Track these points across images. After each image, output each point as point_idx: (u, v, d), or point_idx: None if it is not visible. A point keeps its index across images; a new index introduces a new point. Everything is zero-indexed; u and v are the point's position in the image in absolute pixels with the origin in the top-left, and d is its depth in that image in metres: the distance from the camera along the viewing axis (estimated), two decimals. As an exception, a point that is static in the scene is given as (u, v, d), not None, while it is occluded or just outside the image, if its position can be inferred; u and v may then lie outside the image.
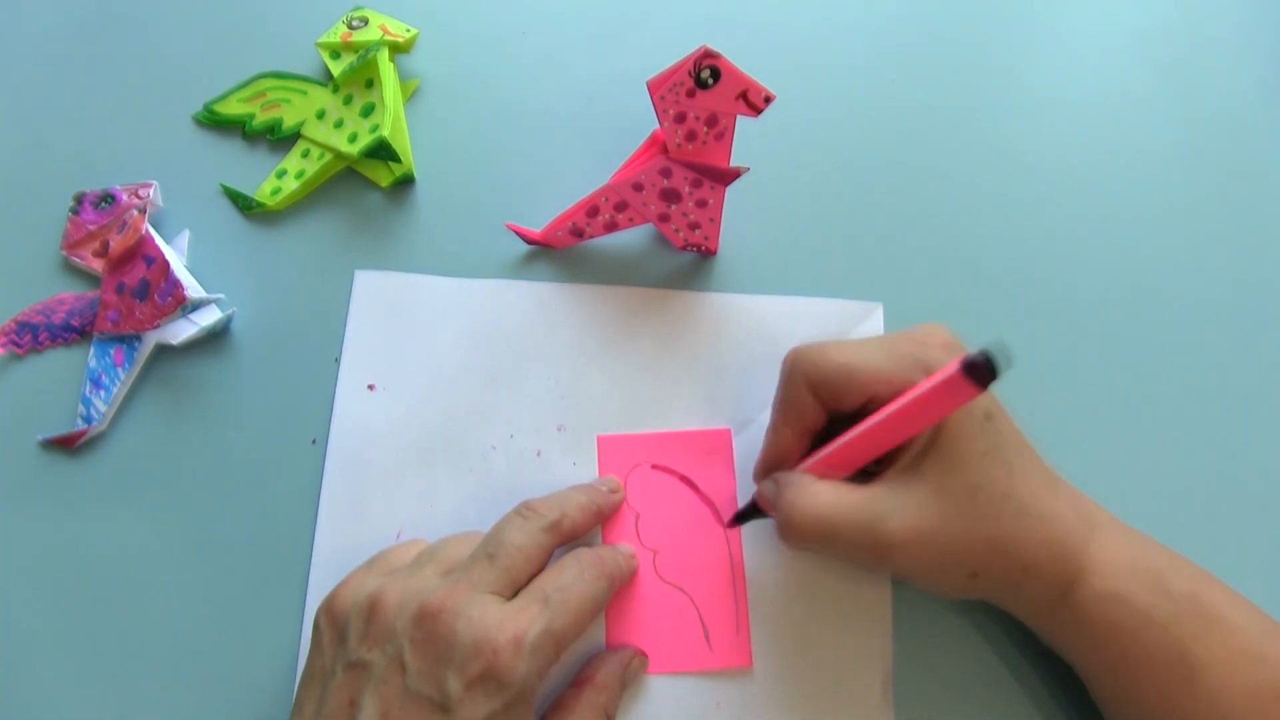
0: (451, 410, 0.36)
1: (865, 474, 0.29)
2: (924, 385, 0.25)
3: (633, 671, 0.31)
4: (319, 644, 0.28)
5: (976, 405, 0.27)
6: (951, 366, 0.24)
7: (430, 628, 0.26)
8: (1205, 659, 0.26)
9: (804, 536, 0.28)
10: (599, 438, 0.35)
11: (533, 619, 0.26)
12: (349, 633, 0.27)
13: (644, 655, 0.32)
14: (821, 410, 0.29)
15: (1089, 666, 0.28)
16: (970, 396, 0.24)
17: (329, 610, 0.28)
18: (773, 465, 0.31)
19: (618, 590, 0.31)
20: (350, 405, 0.36)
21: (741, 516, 0.32)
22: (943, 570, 0.27)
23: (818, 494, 0.28)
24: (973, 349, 0.27)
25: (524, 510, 0.30)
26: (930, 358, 0.27)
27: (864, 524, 0.27)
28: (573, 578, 0.28)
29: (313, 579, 0.33)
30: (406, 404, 0.36)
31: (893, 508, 0.27)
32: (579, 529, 0.31)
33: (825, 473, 0.29)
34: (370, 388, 0.36)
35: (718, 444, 0.35)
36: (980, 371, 0.23)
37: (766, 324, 0.37)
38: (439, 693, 0.25)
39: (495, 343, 0.36)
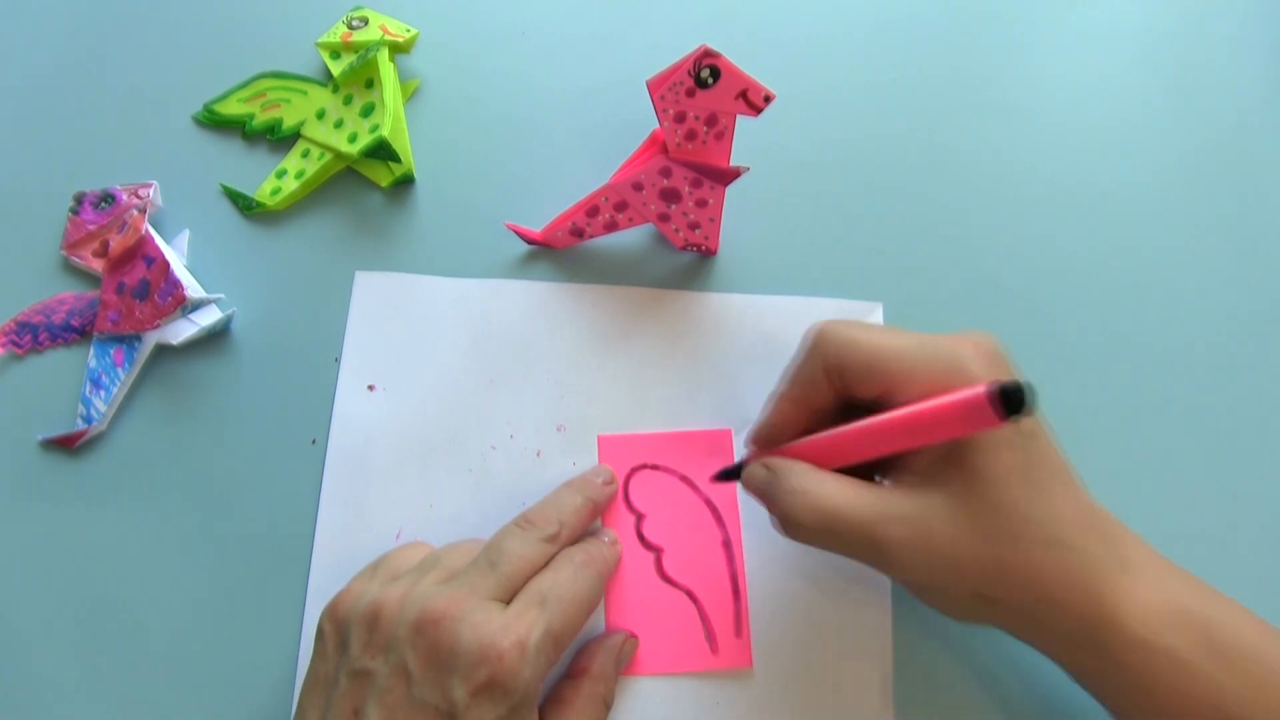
0: (451, 410, 0.35)
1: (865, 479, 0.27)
2: (946, 398, 0.24)
3: (625, 655, 0.31)
4: (322, 651, 0.28)
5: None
6: (979, 388, 0.22)
7: (433, 635, 0.26)
8: None
9: (808, 532, 0.26)
10: (600, 437, 0.35)
11: (532, 623, 0.26)
12: (351, 640, 0.27)
13: (634, 637, 0.32)
14: (832, 394, 0.28)
15: (1121, 710, 0.26)
16: (992, 424, 0.22)
17: (332, 617, 0.28)
18: (767, 437, 0.29)
19: (607, 581, 0.31)
20: (350, 405, 0.36)
21: (726, 474, 0.32)
22: (946, 586, 0.26)
23: (823, 487, 0.26)
24: (1015, 372, 0.25)
25: (523, 524, 0.30)
26: (966, 363, 0.25)
27: (866, 523, 0.25)
28: (566, 577, 0.28)
29: (313, 579, 0.33)
30: (406, 404, 0.36)
31: (901, 512, 0.25)
32: (577, 534, 0.31)
33: (819, 459, 0.27)
34: (370, 388, 0.36)
35: (719, 444, 0.35)
36: (1010, 402, 0.21)
37: (767, 324, 0.37)
38: (445, 701, 0.25)
39: (495, 343, 0.36)
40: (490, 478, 0.35)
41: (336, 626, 0.28)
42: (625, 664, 0.31)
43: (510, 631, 0.26)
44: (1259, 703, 0.24)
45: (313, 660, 0.28)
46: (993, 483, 0.25)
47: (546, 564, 0.29)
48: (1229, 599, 0.27)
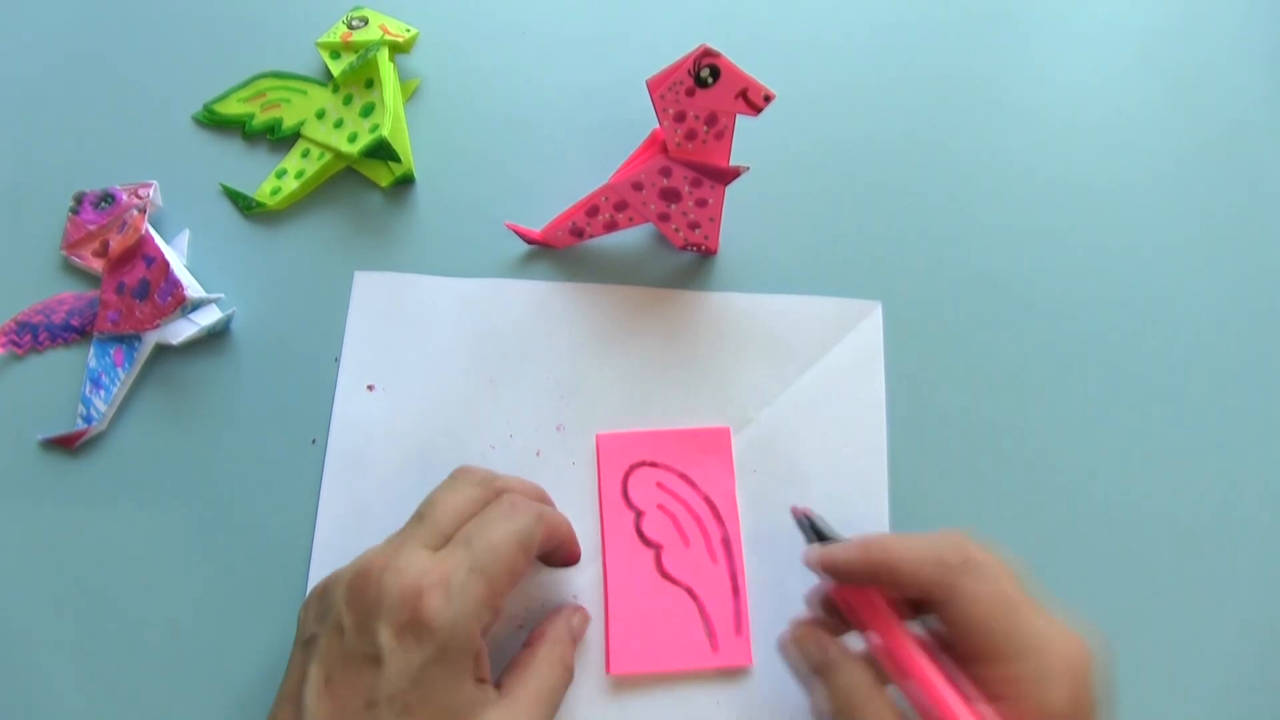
0: (451, 410, 0.36)
1: None
2: None
3: (576, 627, 0.31)
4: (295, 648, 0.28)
5: None
6: None
7: (361, 588, 0.26)
8: None
9: None
10: (598, 436, 0.35)
11: (457, 562, 0.26)
12: (307, 619, 0.27)
13: (585, 612, 0.32)
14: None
15: None
16: None
17: (302, 612, 0.29)
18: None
19: (550, 526, 0.29)
20: (350, 405, 0.36)
21: (811, 527, 0.31)
22: None
23: None
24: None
25: (457, 472, 0.30)
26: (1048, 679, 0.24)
27: None
28: (495, 517, 0.28)
29: (312, 579, 0.33)
30: (406, 404, 0.36)
31: None
32: (512, 487, 0.30)
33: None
34: (370, 388, 0.36)
35: (717, 442, 0.35)
36: None
37: (766, 322, 0.37)
38: (371, 646, 0.25)
39: (495, 342, 0.36)
40: None
41: (301, 621, 0.28)
42: (579, 635, 0.31)
43: (432, 572, 0.25)
44: None
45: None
46: None
47: (477, 510, 0.29)
48: None
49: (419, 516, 0.28)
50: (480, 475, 0.30)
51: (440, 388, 0.36)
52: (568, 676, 0.29)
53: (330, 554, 0.34)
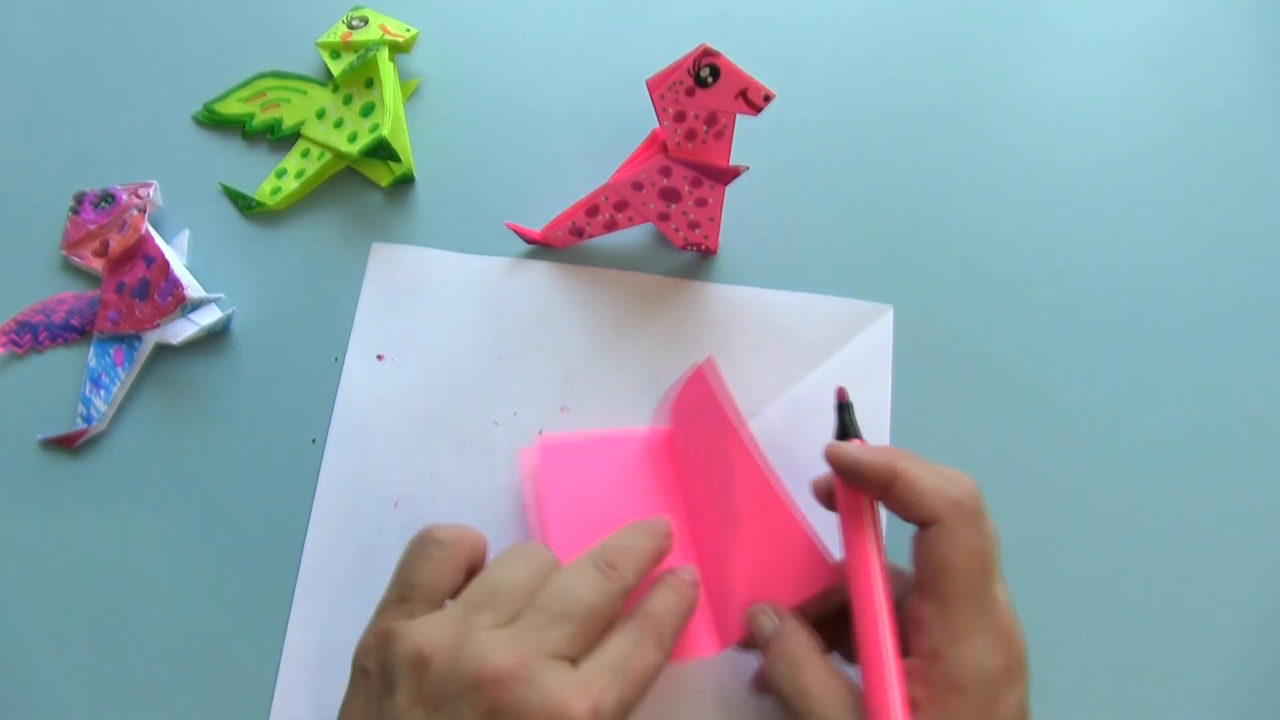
0: (458, 383, 0.36)
1: None
2: None
3: (689, 603, 0.29)
4: (364, 691, 0.26)
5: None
6: None
7: (495, 695, 0.23)
8: None
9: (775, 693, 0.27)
10: (538, 438, 0.33)
11: (605, 689, 0.24)
12: (397, 688, 0.24)
13: (697, 577, 0.30)
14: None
15: None
16: None
17: (378, 655, 0.26)
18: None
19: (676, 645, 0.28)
20: (358, 373, 0.36)
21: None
22: None
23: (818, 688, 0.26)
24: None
25: (605, 569, 0.27)
26: None
27: None
28: (646, 648, 0.26)
29: (307, 575, 0.33)
30: (414, 375, 0.36)
31: None
32: (638, 569, 0.28)
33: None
34: (379, 357, 0.36)
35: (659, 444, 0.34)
36: None
37: (775, 318, 0.37)
38: None
39: (506, 320, 0.37)
40: (491, 453, 0.35)
41: (380, 668, 0.25)
42: (689, 614, 0.29)
43: (584, 696, 0.24)
44: None
45: (348, 697, 0.26)
46: None
47: (615, 619, 0.27)
48: None
49: (564, 615, 0.25)
50: (627, 583, 0.27)
51: (449, 361, 0.36)
52: (661, 659, 0.27)
53: (328, 518, 0.34)
